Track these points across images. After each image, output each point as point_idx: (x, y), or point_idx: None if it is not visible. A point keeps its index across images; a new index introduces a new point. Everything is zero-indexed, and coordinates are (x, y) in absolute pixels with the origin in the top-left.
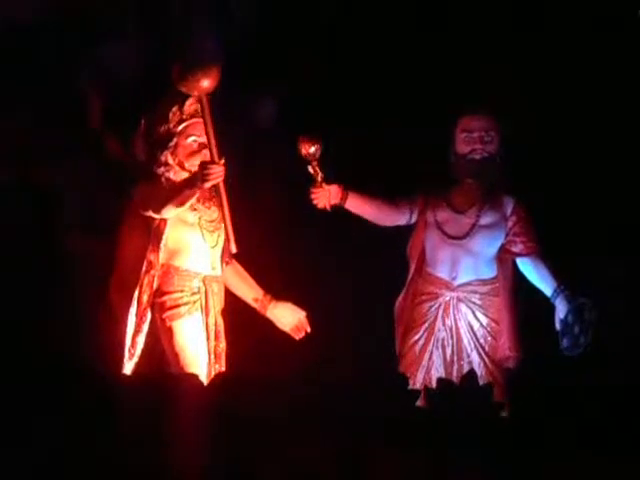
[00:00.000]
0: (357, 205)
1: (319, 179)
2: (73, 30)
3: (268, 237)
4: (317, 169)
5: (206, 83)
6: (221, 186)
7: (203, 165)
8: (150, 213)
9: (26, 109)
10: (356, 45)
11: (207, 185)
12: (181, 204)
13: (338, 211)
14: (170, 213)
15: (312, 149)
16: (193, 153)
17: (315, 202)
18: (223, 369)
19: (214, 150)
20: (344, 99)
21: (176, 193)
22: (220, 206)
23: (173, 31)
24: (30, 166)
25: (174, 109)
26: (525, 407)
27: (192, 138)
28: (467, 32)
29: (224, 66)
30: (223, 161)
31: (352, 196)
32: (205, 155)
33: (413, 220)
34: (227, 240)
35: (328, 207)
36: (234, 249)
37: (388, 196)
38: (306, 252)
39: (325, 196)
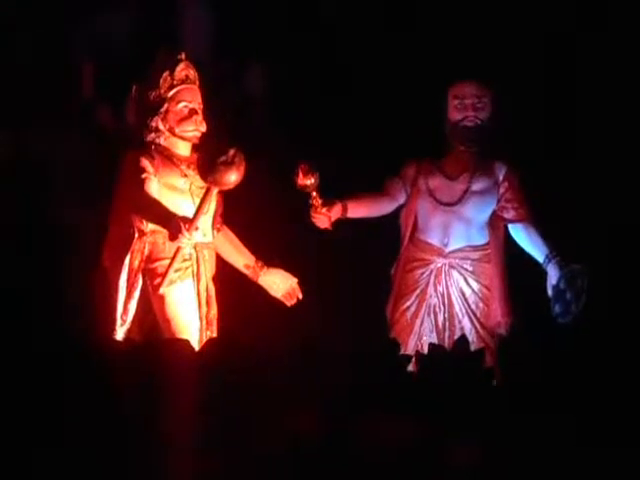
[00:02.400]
0: (357, 213)
1: (319, 206)
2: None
3: (259, 206)
4: (317, 198)
5: (233, 178)
6: None
7: (181, 223)
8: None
9: (19, 79)
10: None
11: (172, 242)
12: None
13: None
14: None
15: (310, 181)
16: (184, 119)
17: (316, 224)
18: (214, 335)
19: (193, 224)
20: (338, 76)
21: (154, 218)
22: None
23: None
24: (22, 136)
25: (165, 75)
26: (516, 373)
27: (183, 104)
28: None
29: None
30: (196, 229)
31: (350, 207)
32: (195, 120)
33: (409, 192)
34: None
35: (329, 227)
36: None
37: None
38: (298, 219)
39: (326, 219)
